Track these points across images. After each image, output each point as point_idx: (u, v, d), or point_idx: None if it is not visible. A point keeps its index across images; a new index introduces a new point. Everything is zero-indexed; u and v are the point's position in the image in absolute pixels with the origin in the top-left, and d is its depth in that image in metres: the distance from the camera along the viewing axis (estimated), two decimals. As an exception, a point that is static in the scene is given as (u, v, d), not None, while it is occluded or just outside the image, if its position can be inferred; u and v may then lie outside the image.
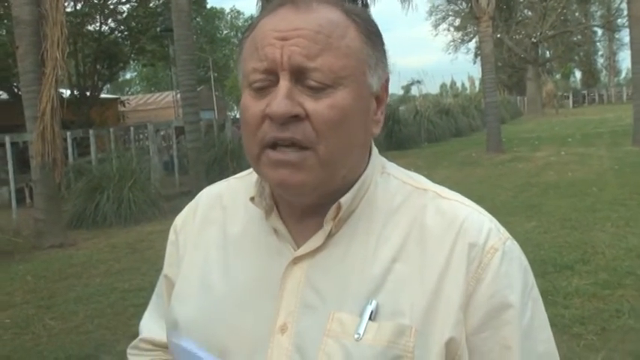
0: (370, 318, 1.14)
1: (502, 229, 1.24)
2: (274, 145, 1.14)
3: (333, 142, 1.14)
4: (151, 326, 1.52)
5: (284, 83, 1.12)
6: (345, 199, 1.20)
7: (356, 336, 1.13)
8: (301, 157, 1.13)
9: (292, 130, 1.12)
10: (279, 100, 1.11)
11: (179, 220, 1.47)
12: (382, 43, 1.24)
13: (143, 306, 1.57)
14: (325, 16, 1.16)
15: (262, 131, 1.15)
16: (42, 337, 6.43)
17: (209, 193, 1.47)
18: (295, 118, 1.12)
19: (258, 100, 1.15)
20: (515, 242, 1.24)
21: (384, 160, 1.33)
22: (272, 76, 1.13)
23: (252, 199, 1.28)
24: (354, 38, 1.17)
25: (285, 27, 1.14)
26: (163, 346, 1.46)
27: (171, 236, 1.47)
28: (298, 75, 1.12)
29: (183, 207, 1.50)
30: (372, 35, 1.21)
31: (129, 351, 1.54)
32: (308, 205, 1.22)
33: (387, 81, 1.27)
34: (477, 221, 1.22)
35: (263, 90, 1.15)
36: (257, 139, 1.16)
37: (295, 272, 1.22)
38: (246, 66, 1.19)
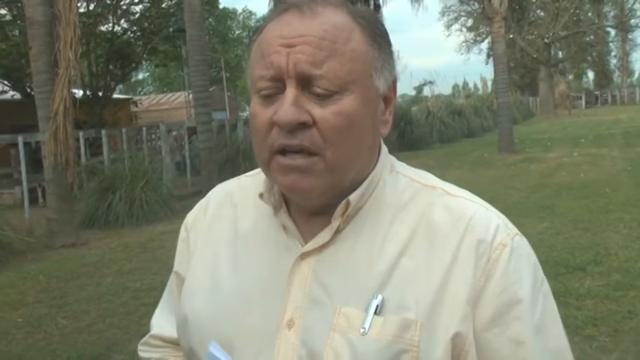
0: (376, 312, 1.14)
1: (510, 225, 1.25)
2: (283, 151, 1.15)
3: (341, 148, 1.15)
4: (161, 323, 1.53)
5: (290, 91, 1.13)
6: (353, 197, 1.21)
7: (362, 330, 1.14)
8: (309, 162, 1.14)
9: (300, 137, 1.13)
10: (286, 109, 1.12)
11: (190, 217, 1.49)
12: (389, 45, 1.25)
13: (154, 305, 1.58)
14: (330, 21, 1.16)
15: (271, 138, 1.16)
16: (54, 336, 6.47)
17: (220, 190, 1.48)
18: (303, 125, 1.13)
19: (266, 108, 1.17)
20: (523, 238, 1.24)
21: (393, 158, 1.34)
22: (279, 83, 1.14)
23: (260, 195, 1.29)
24: (359, 41, 1.17)
25: (290, 33, 1.14)
26: (173, 342, 1.48)
27: (182, 233, 1.48)
28: (304, 82, 1.13)
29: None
30: (377, 37, 1.21)
31: (140, 347, 1.56)
32: (316, 205, 1.23)
33: (394, 82, 1.27)
34: (485, 217, 1.23)
35: (271, 97, 1.16)
36: (266, 145, 1.17)
37: (302, 268, 1.23)
38: (253, 72, 1.20)
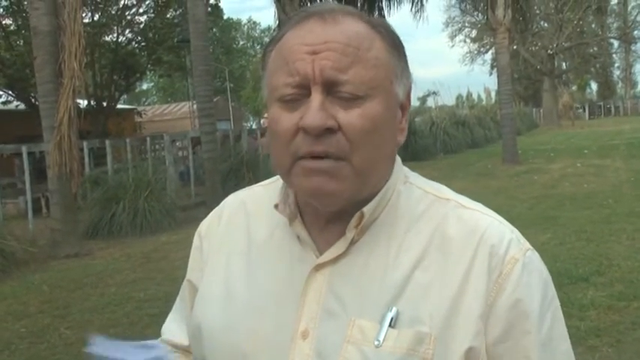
0: (390, 325, 1.14)
1: (522, 240, 1.25)
2: (308, 157, 1.15)
3: (366, 152, 1.15)
4: (172, 328, 1.55)
5: (317, 96, 1.13)
6: (367, 208, 1.21)
7: (376, 343, 1.14)
8: (337, 166, 1.14)
9: (326, 142, 1.12)
10: (314, 113, 1.11)
11: (204, 225, 1.49)
12: (405, 53, 1.26)
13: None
14: (352, 29, 1.17)
15: (295, 144, 1.15)
16: (57, 347, 6.46)
17: (234, 199, 1.48)
18: (328, 131, 1.12)
19: (291, 113, 1.16)
20: (535, 253, 1.25)
21: (406, 169, 1.35)
22: (304, 89, 1.14)
23: (276, 206, 1.29)
24: (380, 49, 1.18)
25: (315, 40, 1.15)
26: (183, 349, 1.50)
27: (196, 241, 1.48)
28: (330, 87, 1.13)
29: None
30: (396, 45, 1.23)
31: None
32: (332, 213, 1.23)
33: (409, 90, 1.28)
34: (498, 231, 1.23)
35: (294, 102, 1.15)
36: (289, 151, 1.16)
37: (317, 279, 1.23)
38: (274, 80, 1.19)
